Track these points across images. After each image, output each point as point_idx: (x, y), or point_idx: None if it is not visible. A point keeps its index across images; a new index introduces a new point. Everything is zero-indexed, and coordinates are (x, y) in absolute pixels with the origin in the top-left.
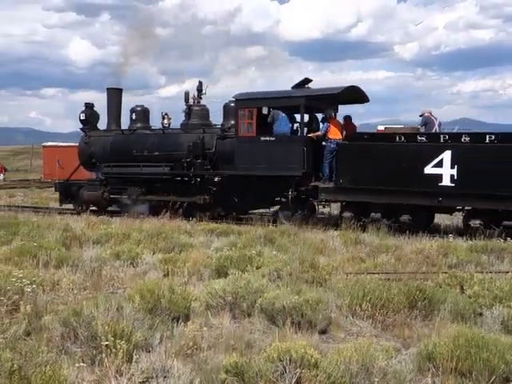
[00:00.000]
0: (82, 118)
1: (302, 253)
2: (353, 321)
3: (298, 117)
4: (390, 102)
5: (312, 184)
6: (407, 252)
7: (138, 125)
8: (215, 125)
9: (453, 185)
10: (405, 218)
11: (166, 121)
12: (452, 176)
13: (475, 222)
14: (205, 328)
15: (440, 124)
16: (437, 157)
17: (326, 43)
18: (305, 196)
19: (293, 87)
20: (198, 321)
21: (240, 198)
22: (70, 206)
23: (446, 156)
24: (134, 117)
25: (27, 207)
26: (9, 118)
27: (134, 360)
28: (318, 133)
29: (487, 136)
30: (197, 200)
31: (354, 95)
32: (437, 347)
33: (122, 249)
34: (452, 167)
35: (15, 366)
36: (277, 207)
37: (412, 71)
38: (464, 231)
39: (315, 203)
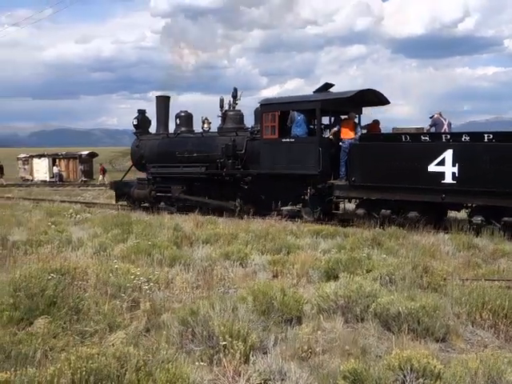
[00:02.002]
0: (134, 123)
1: (414, 256)
2: (473, 330)
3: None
4: (498, 98)
5: (329, 182)
6: None
7: (182, 129)
8: (248, 128)
9: (454, 182)
10: (413, 214)
11: (206, 125)
12: (453, 174)
13: (477, 219)
14: (319, 332)
15: (450, 124)
16: (439, 155)
17: (431, 39)
18: (323, 193)
19: (314, 91)
20: (311, 324)
21: (268, 195)
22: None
23: (448, 154)
24: (178, 122)
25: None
26: (118, 121)
27: (251, 361)
28: (333, 131)
29: (485, 135)
30: (230, 197)
31: (373, 98)
32: None
33: (231, 249)
34: (453, 165)
35: (141, 362)
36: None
37: None
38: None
39: (337, 201)
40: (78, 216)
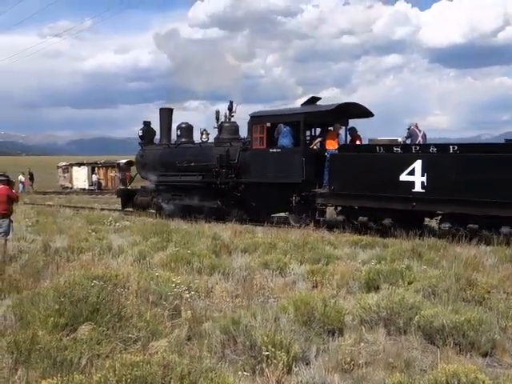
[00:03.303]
0: (139, 134)
1: (455, 269)
2: None
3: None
4: None
5: (312, 190)
6: None
7: (183, 139)
8: (242, 139)
9: (423, 191)
10: (387, 221)
11: (204, 136)
12: (422, 183)
13: (445, 226)
14: (361, 343)
15: (424, 136)
16: (410, 165)
17: (470, 48)
18: (307, 201)
19: (302, 104)
20: (353, 335)
21: (258, 202)
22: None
23: (418, 165)
24: (179, 133)
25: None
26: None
27: (293, 372)
28: (316, 141)
29: (451, 147)
30: (223, 205)
31: (357, 110)
32: None
33: (270, 258)
34: (422, 175)
35: (185, 370)
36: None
37: None
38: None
39: (320, 208)
40: (117, 224)
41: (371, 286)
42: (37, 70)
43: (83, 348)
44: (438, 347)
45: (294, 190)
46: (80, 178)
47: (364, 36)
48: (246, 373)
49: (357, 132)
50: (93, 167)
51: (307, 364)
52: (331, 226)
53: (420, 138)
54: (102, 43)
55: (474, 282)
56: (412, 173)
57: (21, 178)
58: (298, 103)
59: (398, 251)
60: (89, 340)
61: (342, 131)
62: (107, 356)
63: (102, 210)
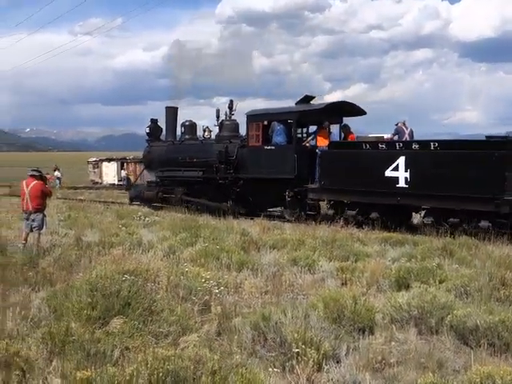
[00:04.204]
0: (147, 131)
1: (488, 268)
2: None
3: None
4: None
5: (304, 186)
6: None
7: (186, 136)
8: (241, 136)
9: (407, 186)
10: (374, 215)
11: (206, 133)
12: (406, 178)
13: (428, 220)
14: (392, 342)
15: (412, 132)
16: (394, 161)
17: (501, 42)
18: (300, 196)
19: (296, 103)
20: (383, 334)
21: (255, 197)
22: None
23: (401, 161)
24: (183, 130)
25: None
26: None
27: (324, 370)
28: (308, 139)
29: (431, 143)
30: (222, 199)
31: (350, 109)
32: None
33: (299, 255)
34: (406, 171)
35: (216, 365)
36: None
37: None
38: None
39: (311, 203)
40: (147, 219)
41: (401, 284)
42: (68, 68)
43: (115, 341)
44: (472, 348)
45: (287, 186)
46: (109, 173)
47: (393, 30)
48: (276, 369)
49: (350, 129)
50: (122, 163)
51: (338, 362)
52: (360, 223)
53: (407, 135)
54: (131, 41)
55: (508, 281)
56: (396, 169)
57: (57, 173)
58: (326, 99)
59: (429, 249)
60: (121, 333)
61: (336, 129)
62: (139, 349)
63: (131, 204)
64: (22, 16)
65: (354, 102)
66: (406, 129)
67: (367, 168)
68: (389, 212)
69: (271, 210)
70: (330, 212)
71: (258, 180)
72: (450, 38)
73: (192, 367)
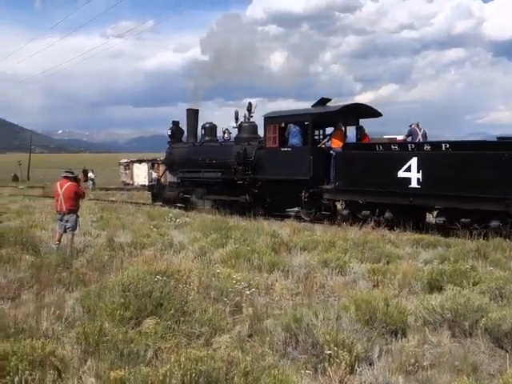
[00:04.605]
0: (169, 133)
1: None
2: None
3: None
4: None
5: (320, 186)
6: None
7: (206, 138)
8: (260, 138)
9: (419, 186)
10: (388, 215)
11: (226, 135)
12: (418, 179)
13: (440, 220)
14: (425, 345)
15: (425, 134)
16: (406, 162)
17: None
18: (316, 196)
19: (312, 105)
20: (416, 337)
21: (272, 198)
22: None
23: (414, 162)
24: (203, 132)
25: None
26: None
27: (356, 372)
28: (324, 141)
29: (443, 144)
30: (240, 199)
31: (365, 111)
32: None
33: (330, 256)
34: (418, 171)
35: (248, 367)
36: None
37: None
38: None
39: (327, 203)
40: (178, 220)
41: (434, 286)
42: (100, 70)
43: (148, 341)
44: (507, 351)
45: (303, 187)
46: (140, 174)
47: (424, 30)
48: (308, 371)
49: (365, 131)
50: (152, 164)
51: (370, 364)
52: (391, 225)
53: (420, 137)
54: (162, 43)
55: None
56: (409, 169)
57: (91, 175)
58: (357, 99)
59: (462, 251)
60: (153, 334)
61: (352, 131)
62: (172, 350)
63: (163, 206)
64: (56, 19)
65: (383, 103)
66: (420, 130)
67: (380, 169)
68: (402, 212)
69: (288, 210)
70: (345, 212)
71: (275, 181)
72: (483, 37)
73: (224, 368)
